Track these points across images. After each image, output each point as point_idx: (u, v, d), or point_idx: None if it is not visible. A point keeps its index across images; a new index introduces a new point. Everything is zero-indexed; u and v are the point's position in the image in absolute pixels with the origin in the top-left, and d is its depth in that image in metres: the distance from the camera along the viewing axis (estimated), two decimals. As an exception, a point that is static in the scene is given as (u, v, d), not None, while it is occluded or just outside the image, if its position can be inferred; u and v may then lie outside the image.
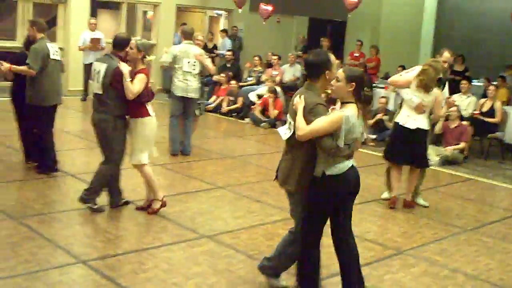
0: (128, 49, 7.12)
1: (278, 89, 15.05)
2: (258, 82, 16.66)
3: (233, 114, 15.31)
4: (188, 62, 10.34)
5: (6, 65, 8.39)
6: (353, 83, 4.99)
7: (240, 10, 18.78)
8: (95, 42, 15.58)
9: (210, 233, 6.93)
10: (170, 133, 10.67)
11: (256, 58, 17.46)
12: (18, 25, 16.09)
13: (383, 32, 20.60)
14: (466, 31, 19.97)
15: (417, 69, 8.17)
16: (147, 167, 7.41)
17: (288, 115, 5.28)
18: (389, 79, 8.20)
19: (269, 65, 17.46)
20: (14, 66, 8.40)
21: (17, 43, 15.95)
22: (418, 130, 8.12)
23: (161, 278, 5.65)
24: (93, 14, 17.99)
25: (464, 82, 13.60)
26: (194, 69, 10.39)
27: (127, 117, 7.26)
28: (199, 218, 7.42)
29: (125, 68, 6.98)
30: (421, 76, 7.97)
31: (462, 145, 11.90)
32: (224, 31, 20.20)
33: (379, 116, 13.25)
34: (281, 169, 5.33)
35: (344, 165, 5.06)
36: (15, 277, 5.42)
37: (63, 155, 9.48)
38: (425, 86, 7.94)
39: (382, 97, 13.71)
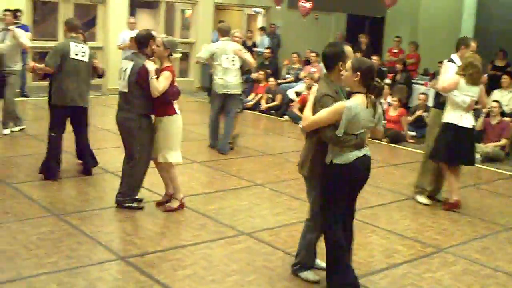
0: (154, 46, 7.13)
1: (317, 86, 14.99)
2: (297, 79, 16.63)
3: (272, 112, 15.31)
4: (227, 58, 10.39)
5: (30, 64, 8.53)
6: (358, 73, 5.10)
7: (278, 8, 18.77)
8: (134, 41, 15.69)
9: (249, 230, 6.94)
10: (210, 128, 10.79)
11: (294, 55, 17.44)
12: (59, 26, 16.30)
13: (422, 28, 20.38)
14: (508, 25, 19.60)
15: (451, 67, 8.01)
16: (173, 167, 7.44)
17: None
18: (440, 88, 8.05)
19: (307, 62, 17.41)
20: (37, 64, 8.52)
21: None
22: (473, 128, 8.10)
23: (200, 275, 5.67)
24: (132, 13, 18.19)
25: (505, 77, 13.41)
26: (233, 65, 10.44)
27: (152, 116, 7.28)
28: (238, 215, 7.44)
29: (151, 66, 7.00)
30: (470, 71, 7.85)
31: (503, 141, 11.73)
32: (262, 29, 20.21)
33: (418, 112, 13.13)
34: (300, 156, 5.55)
35: (352, 155, 5.16)
36: (57, 273, 5.50)
37: (102, 153, 9.58)
38: (476, 79, 7.87)
39: (422, 93, 13.59)
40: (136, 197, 7.40)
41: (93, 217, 7.05)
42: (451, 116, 7.97)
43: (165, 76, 7.03)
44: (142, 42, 7.21)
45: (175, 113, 7.25)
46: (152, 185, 8.17)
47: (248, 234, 6.81)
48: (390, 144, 12.43)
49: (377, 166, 10.44)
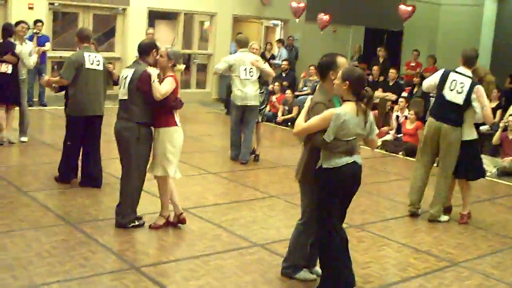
0: (158, 57, 6.99)
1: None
2: (314, 92, 16.59)
3: (288, 124, 15.31)
4: (245, 69, 10.40)
5: (45, 78, 8.63)
6: (347, 82, 5.26)
7: (297, 20, 18.84)
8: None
9: (262, 241, 6.94)
10: (231, 140, 10.80)
11: (312, 67, 17.44)
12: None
13: (441, 42, 20.39)
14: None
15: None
16: (168, 182, 7.12)
17: None
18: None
19: (325, 74, 17.39)
20: (52, 78, 8.62)
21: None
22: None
23: (212, 286, 5.67)
24: (151, 24, 18.31)
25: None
26: (251, 76, 10.44)
27: (152, 128, 7.07)
28: (252, 227, 7.45)
29: (153, 71, 6.86)
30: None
31: (520, 156, 11.65)
32: (280, 41, 20.26)
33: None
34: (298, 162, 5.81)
35: (341, 160, 5.32)
36: (69, 281, 5.52)
37: (117, 162, 9.62)
38: None
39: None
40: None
41: (107, 227, 7.06)
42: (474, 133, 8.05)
43: (169, 81, 6.86)
44: (144, 51, 7.09)
45: (176, 124, 7.02)
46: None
47: (261, 246, 6.80)
48: (406, 158, 12.38)
49: (393, 179, 10.42)
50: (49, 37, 15.16)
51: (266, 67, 10.67)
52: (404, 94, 15.30)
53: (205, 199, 8.39)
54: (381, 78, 16.31)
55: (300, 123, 5.44)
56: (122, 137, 7.02)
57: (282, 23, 21.59)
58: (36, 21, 14.53)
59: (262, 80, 10.97)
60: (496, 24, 20.29)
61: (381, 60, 17.76)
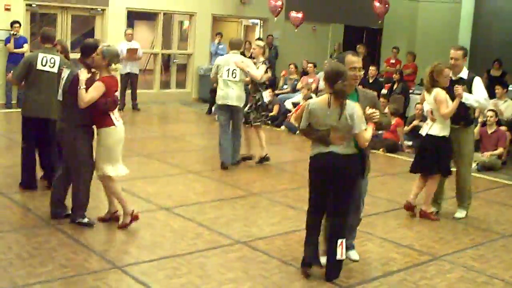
0: (94, 54, 6.79)
1: (314, 96, 14.98)
2: (294, 90, 16.66)
3: (269, 122, 15.29)
4: (227, 70, 10.21)
5: (9, 75, 8.68)
6: (324, 75, 5.82)
7: (275, 19, 18.84)
8: (132, 52, 15.80)
9: (244, 239, 6.93)
10: (220, 142, 10.48)
11: (292, 66, 17.48)
12: (57, 37, 16.29)
13: (420, 39, 20.49)
14: (504, 36, 19.69)
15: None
16: (113, 180, 7.02)
17: None
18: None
19: (305, 73, 17.43)
20: (10, 75, 8.65)
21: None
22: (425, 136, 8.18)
23: (195, 284, 5.66)
24: (130, 25, 18.27)
25: (497, 87, 13.41)
26: (234, 77, 10.23)
27: (92, 127, 6.98)
28: (234, 225, 7.44)
29: (83, 75, 6.69)
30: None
31: (499, 150, 11.73)
32: (259, 40, 20.23)
33: (415, 122, 13.14)
34: None
35: (317, 149, 5.83)
36: (51, 282, 5.49)
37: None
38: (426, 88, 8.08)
39: (418, 103, 13.59)
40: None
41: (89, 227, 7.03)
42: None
43: (95, 87, 6.67)
44: (86, 52, 6.91)
45: (113, 124, 6.86)
46: (149, 195, 8.21)
47: (244, 243, 6.80)
48: (386, 154, 12.43)
49: (373, 175, 10.43)
50: (26, 39, 15.03)
51: (252, 69, 10.38)
52: (384, 91, 15.36)
53: (187, 198, 8.37)
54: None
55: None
56: (61, 139, 7.05)
57: (262, 22, 21.59)
58: (13, 22, 14.44)
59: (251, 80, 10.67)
60: (474, 21, 20.41)
61: (360, 57, 17.78)
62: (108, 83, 6.80)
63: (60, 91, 6.92)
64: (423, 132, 8.22)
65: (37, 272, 5.66)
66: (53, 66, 8.12)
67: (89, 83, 6.72)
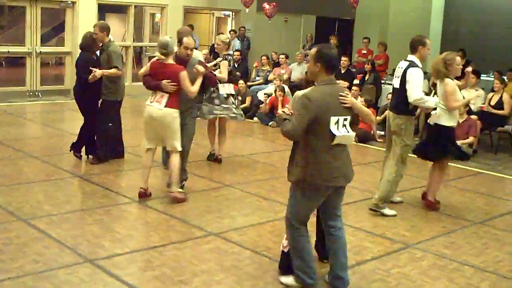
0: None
1: (286, 87, 14.99)
2: (266, 82, 16.66)
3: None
4: None
5: (99, 72, 9.06)
6: None
7: (247, 10, 18.82)
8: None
9: (217, 230, 6.93)
10: None
11: (264, 57, 17.47)
12: (26, 31, 16.16)
13: (391, 29, 20.58)
14: (474, 27, 19.90)
15: (419, 74, 7.83)
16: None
17: None
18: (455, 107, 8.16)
19: (277, 64, 17.44)
20: (106, 70, 9.13)
21: (25, 48, 16.07)
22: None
23: (168, 276, 5.65)
24: (101, 18, 18.09)
25: (472, 76, 13.48)
26: None
27: None
28: (207, 216, 7.43)
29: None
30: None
31: (470, 139, 11.84)
32: (233, 31, 20.23)
33: (387, 112, 13.16)
34: None
35: None
36: (22, 277, 5.44)
37: (70, 157, 9.56)
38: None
39: (390, 93, 13.65)
40: None
41: (61, 221, 6.98)
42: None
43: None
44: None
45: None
46: (120, 188, 8.17)
47: (217, 235, 6.80)
48: (358, 144, 12.48)
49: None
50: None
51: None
52: (356, 81, 15.41)
53: (158, 190, 8.33)
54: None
55: None
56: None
57: (234, 13, 21.55)
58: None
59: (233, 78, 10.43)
60: (445, 11, 20.60)
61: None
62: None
63: None
64: (431, 121, 8.28)
65: (7, 268, 5.61)
66: None
67: None
